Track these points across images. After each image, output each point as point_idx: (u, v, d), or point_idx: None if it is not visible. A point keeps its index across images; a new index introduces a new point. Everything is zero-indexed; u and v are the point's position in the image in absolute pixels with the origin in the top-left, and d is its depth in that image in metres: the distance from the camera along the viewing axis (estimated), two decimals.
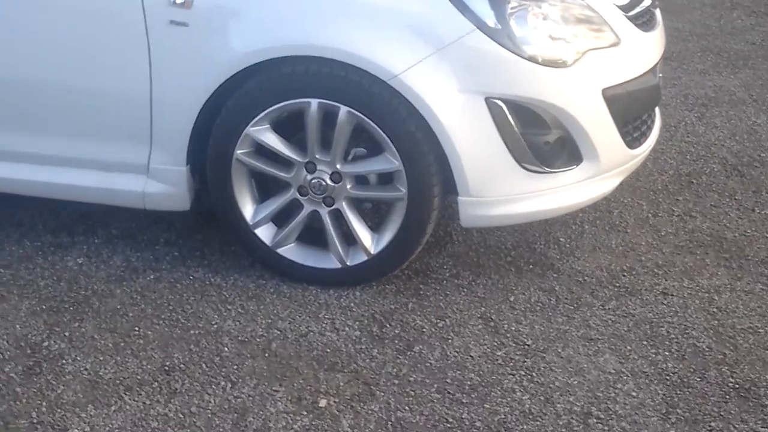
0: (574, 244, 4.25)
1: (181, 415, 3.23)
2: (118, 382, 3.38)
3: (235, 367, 3.46)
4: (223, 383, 3.38)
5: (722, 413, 3.26)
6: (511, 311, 3.78)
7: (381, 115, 3.58)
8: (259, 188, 3.91)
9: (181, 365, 3.46)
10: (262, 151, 3.78)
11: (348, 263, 3.85)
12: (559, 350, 3.56)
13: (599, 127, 3.72)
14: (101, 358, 3.49)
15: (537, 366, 3.48)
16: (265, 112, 3.68)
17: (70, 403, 3.28)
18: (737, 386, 3.38)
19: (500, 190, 3.70)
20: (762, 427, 3.21)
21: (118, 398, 3.30)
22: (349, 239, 3.84)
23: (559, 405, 3.29)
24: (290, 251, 3.91)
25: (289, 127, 3.75)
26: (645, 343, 3.60)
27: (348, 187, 3.76)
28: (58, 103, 3.88)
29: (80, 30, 3.75)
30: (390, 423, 3.21)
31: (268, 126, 3.72)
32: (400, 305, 3.81)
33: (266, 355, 3.52)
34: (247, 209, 3.88)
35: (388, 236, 3.80)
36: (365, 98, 3.57)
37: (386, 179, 3.76)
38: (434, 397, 3.33)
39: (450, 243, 4.24)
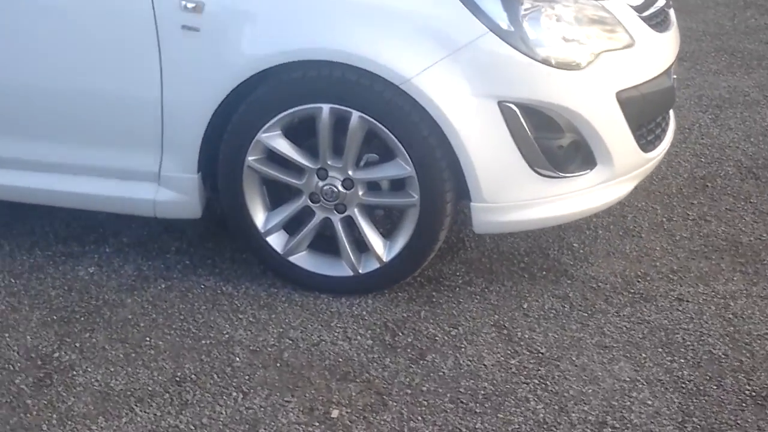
0: (588, 250, 4.22)
1: (192, 427, 3.21)
2: (128, 393, 3.36)
3: (247, 377, 3.44)
4: (234, 394, 3.36)
5: (739, 421, 3.23)
6: (525, 319, 3.76)
7: (393, 120, 3.56)
8: (271, 195, 3.89)
9: (192, 376, 3.44)
10: (273, 157, 3.76)
11: (360, 271, 3.82)
12: (574, 358, 3.53)
13: (613, 131, 3.69)
14: (112, 369, 3.48)
15: (551, 374, 3.45)
16: (277, 118, 3.66)
17: (81, 415, 3.26)
18: (754, 394, 3.35)
19: (514, 195, 3.67)
20: None
21: (128, 410, 3.28)
22: (361, 246, 3.82)
23: (573, 414, 3.26)
24: (302, 259, 3.89)
25: (301, 133, 3.72)
26: (660, 350, 3.57)
27: (360, 193, 3.74)
28: (69, 111, 3.87)
29: (91, 36, 3.74)
30: None
31: (280, 132, 3.70)
32: (413, 313, 3.78)
33: (278, 364, 3.50)
34: (259, 217, 3.86)
35: (400, 243, 3.77)
36: (377, 103, 3.55)
37: (398, 185, 3.73)
38: (447, 407, 3.30)
39: (462, 249, 4.22)
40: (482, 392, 3.36)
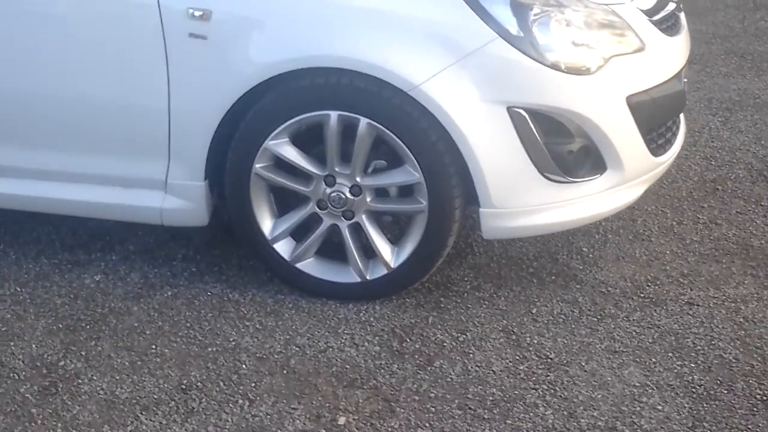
0: (598, 254, 4.19)
1: None
2: (134, 401, 3.34)
3: (253, 384, 3.42)
4: (240, 401, 3.33)
5: (750, 426, 3.20)
6: (534, 324, 3.73)
7: (401, 127, 3.55)
8: (278, 202, 3.88)
9: (199, 383, 3.42)
10: (281, 164, 3.75)
11: (368, 277, 3.81)
12: (583, 363, 3.50)
13: (624, 136, 3.67)
14: (117, 377, 3.46)
15: (560, 380, 3.42)
16: (284, 125, 3.65)
17: (86, 423, 3.24)
18: (765, 398, 3.32)
19: (523, 201, 3.65)
20: None
21: (134, 418, 3.26)
22: (369, 253, 3.80)
23: (583, 420, 3.23)
24: (309, 266, 3.87)
25: (308, 140, 3.71)
26: (670, 354, 3.54)
27: (368, 200, 3.72)
28: (76, 119, 3.86)
29: (98, 44, 3.73)
30: None
31: (287, 139, 3.69)
32: (421, 319, 3.76)
33: (284, 372, 3.48)
34: (266, 224, 3.85)
35: (408, 249, 3.76)
36: (386, 110, 3.54)
37: (406, 191, 3.72)
38: (455, 413, 3.28)
39: (471, 254, 4.19)
40: (490, 398, 3.34)
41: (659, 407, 3.28)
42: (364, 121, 3.56)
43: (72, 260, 4.19)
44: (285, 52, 3.56)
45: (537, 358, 3.54)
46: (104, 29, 3.71)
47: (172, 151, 3.78)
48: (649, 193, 4.42)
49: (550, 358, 3.53)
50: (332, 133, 3.61)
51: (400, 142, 3.56)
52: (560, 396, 3.34)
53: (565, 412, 3.26)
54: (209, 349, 3.60)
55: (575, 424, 3.21)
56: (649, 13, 3.82)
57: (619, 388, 3.37)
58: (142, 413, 3.28)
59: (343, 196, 3.71)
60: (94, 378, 3.46)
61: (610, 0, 3.68)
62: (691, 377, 3.42)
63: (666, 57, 3.86)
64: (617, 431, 3.18)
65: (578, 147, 3.63)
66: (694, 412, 3.26)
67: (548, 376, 3.44)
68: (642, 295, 3.90)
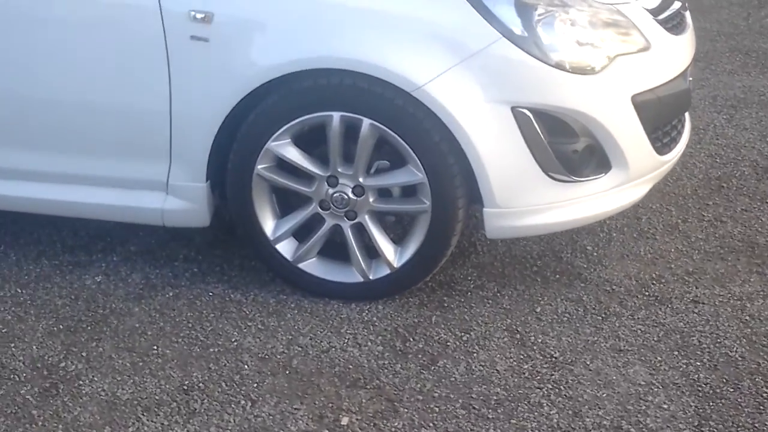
0: (602, 253, 4.17)
1: None
2: (135, 402, 3.32)
3: (255, 385, 3.39)
4: (243, 402, 3.31)
5: (757, 425, 3.18)
6: (538, 323, 3.71)
7: (405, 127, 3.53)
8: (280, 203, 3.86)
9: (200, 384, 3.40)
10: (283, 165, 3.73)
11: (370, 277, 3.79)
12: (588, 362, 3.48)
13: (629, 135, 3.65)
14: (119, 379, 3.44)
15: (565, 379, 3.40)
16: (287, 126, 3.63)
17: (87, 425, 3.22)
18: None
19: (527, 200, 3.64)
20: None
21: (135, 419, 3.24)
22: (372, 252, 3.79)
23: (588, 419, 3.21)
24: (311, 266, 3.85)
25: (311, 140, 3.69)
26: (676, 353, 3.52)
27: (371, 200, 3.70)
28: (77, 121, 3.85)
29: (99, 46, 3.71)
30: None
31: (290, 140, 3.67)
32: (424, 318, 3.74)
33: (287, 372, 3.46)
34: (268, 224, 3.83)
35: (411, 249, 3.74)
36: (388, 110, 3.52)
37: (409, 192, 3.70)
38: (459, 413, 3.25)
39: (474, 253, 4.17)
40: (495, 398, 3.32)
41: (665, 406, 3.26)
42: (366, 122, 3.54)
43: (73, 261, 4.17)
44: (287, 54, 3.54)
45: (541, 357, 3.51)
46: (106, 32, 3.69)
47: (173, 153, 3.77)
48: (654, 191, 4.39)
49: (555, 357, 3.51)
50: (335, 134, 3.59)
51: (403, 143, 3.55)
52: (565, 395, 3.32)
53: (570, 412, 3.24)
54: (211, 350, 3.58)
55: (580, 423, 3.19)
56: (655, 12, 3.81)
57: (624, 387, 3.35)
58: (143, 414, 3.26)
59: (346, 197, 3.69)
60: (95, 379, 3.44)
61: None
62: (696, 376, 3.40)
63: (671, 56, 3.84)
64: (623, 430, 3.16)
65: (583, 146, 3.61)
66: (700, 410, 3.24)
67: (553, 375, 3.42)
68: (647, 293, 3.88)
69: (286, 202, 3.86)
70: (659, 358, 3.49)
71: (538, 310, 3.79)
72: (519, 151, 3.53)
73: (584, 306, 3.80)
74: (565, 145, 3.59)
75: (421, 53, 3.46)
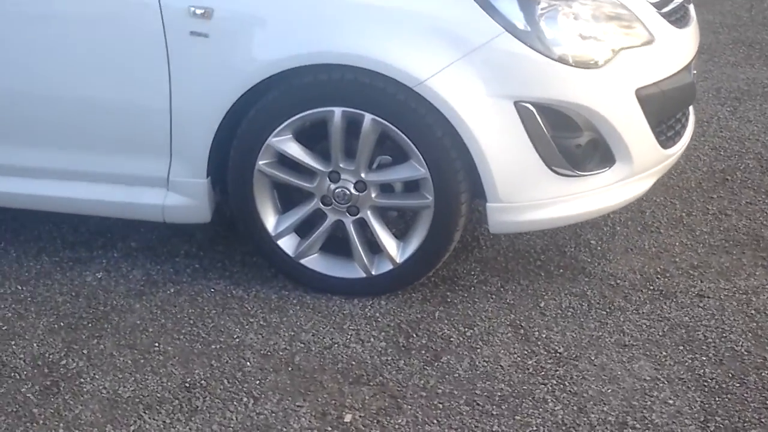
0: (606, 247, 4.15)
1: None
2: (137, 400, 3.30)
3: (258, 382, 3.38)
4: (245, 399, 3.29)
5: (763, 420, 3.16)
6: (542, 318, 3.68)
7: (407, 123, 3.51)
8: (282, 199, 3.85)
9: (202, 381, 3.38)
10: (284, 161, 3.71)
11: (373, 272, 3.77)
12: (592, 357, 3.46)
13: (633, 129, 3.64)
14: (120, 376, 3.42)
15: (569, 374, 3.38)
16: (288, 122, 3.62)
17: (88, 423, 3.20)
18: None
19: (530, 195, 3.62)
20: None
21: (137, 417, 3.22)
22: (374, 248, 3.77)
23: (593, 415, 3.19)
24: (313, 261, 3.84)
25: (312, 136, 3.67)
26: (681, 348, 3.50)
27: (373, 195, 3.68)
28: (77, 118, 3.84)
29: (99, 42, 3.70)
30: None
31: (291, 136, 3.65)
32: (427, 314, 3.72)
33: (289, 368, 3.44)
34: (269, 220, 3.82)
35: (414, 244, 3.72)
36: (391, 105, 3.50)
37: (412, 187, 3.68)
38: (463, 409, 3.23)
39: (477, 248, 4.15)
40: (499, 394, 3.30)
41: (670, 401, 3.24)
42: (368, 117, 3.52)
43: (73, 258, 4.16)
44: (288, 49, 3.53)
45: (545, 353, 3.49)
46: (105, 28, 3.68)
47: (174, 149, 3.76)
48: (658, 184, 4.36)
49: (559, 353, 3.49)
50: (336, 130, 3.58)
51: (406, 138, 3.53)
52: (570, 391, 3.30)
53: (575, 407, 3.22)
54: (213, 347, 3.56)
55: (585, 419, 3.17)
56: (658, 5, 3.79)
57: (629, 383, 3.33)
58: (145, 412, 3.24)
59: (348, 192, 3.68)
60: (97, 377, 3.42)
61: None
62: (702, 370, 3.38)
63: (675, 49, 3.82)
64: (628, 426, 3.14)
65: (586, 140, 3.59)
66: (706, 405, 3.22)
67: (557, 370, 3.40)
68: (651, 287, 3.85)
69: (287, 198, 3.85)
70: (664, 353, 3.47)
71: (542, 305, 3.77)
72: (522, 145, 3.52)
73: (588, 300, 3.78)
74: (569, 140, 3.57)
75: (424, 48, 3.45)
